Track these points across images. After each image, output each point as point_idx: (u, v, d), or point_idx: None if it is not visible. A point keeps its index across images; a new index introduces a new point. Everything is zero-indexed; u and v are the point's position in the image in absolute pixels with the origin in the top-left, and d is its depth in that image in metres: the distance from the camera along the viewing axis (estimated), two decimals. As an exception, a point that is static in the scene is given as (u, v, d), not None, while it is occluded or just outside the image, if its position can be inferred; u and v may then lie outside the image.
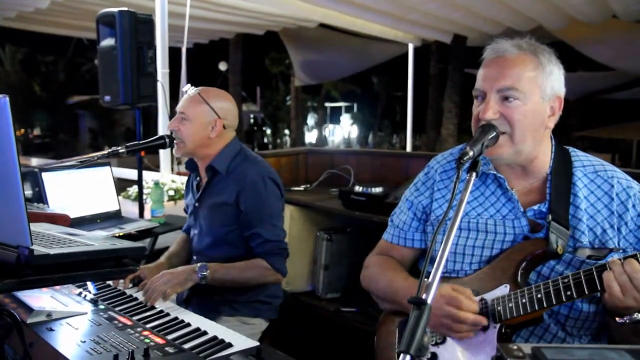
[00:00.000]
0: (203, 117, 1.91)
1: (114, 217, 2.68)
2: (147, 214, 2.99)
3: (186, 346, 1.24)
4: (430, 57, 12.09)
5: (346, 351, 2.49)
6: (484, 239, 1.32)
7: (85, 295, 1.55)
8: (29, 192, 2.43)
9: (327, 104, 24.67)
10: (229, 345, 1.26)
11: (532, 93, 1.23)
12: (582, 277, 1.11)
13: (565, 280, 1.13)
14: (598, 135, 14.71)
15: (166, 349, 1.21)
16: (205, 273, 1.76)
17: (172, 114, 2.79)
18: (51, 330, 1.29)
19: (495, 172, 1.33)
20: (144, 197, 3.17)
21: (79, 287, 1.62)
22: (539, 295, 1.15)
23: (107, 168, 2.72)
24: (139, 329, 1.33)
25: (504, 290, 1.23)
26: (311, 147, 10.01)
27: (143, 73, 2.90)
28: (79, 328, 1.31)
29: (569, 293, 1.12)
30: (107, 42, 2.91)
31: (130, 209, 3.42)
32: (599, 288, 1.10)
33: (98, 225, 2.53)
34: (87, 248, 1.20)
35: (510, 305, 1.19)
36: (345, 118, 25.10)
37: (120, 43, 2.82)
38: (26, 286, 1.11)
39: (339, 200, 2.79)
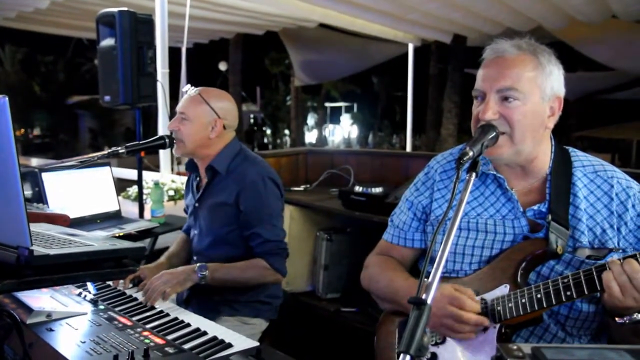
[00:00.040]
0: (203, 117, 1.91)
1: (113, 218, 2.68)
2: (147, 214, 2.99)
3: (186, 346, 1.24)
4: (430, 57, 12.09)
5: (346, 351, 2.49)
6: (484, 239, 1.32)
7: (85, 296, 1.55)
8: (28, 192, 2.43)
9: (327, 104, 24.67)
10: (229, 345, 1.26)
11: (531, 93, 1.23)
12: (582, 277, 1.11)
13: (565, 281, 1.13)
14: (598, 135, 14.71)
15: (166, 349, 1.22)
16: (204, 273, 1.76)
17: (172, 114, 2.79)
18: (51, 330, 1.29)
19: (495, 172, 1.34)
20: (144, 197, 3.17)
21: (78, 287, 1.62)
22: (539, 296, 1.15)
23: (107, 168, 2.72)
24: (138, 329, 1.33)
25: (503, 290, 1.23)
26: (311, 147, 10.01)
27: (143, 73, 2.90)
28: (78, 328, 1.31)
29: (568, 293, 1.12)
30: (107, 42, 2.91)
31: (130, 209, 3.42)
32: (598, 288, 1.10)
33: (98, 225, 2.52)
34: (87, 248, 1.20)
35: (510, 305, 1.19)
36: (345, 118, 25.10)
37: (120, 43, 2.82)
38: (26, 287, 1.10)
39: (339, 200, 2.79)
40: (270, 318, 2.02)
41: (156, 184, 2.85)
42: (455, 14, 6.86)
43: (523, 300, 1.17)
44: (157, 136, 1.99)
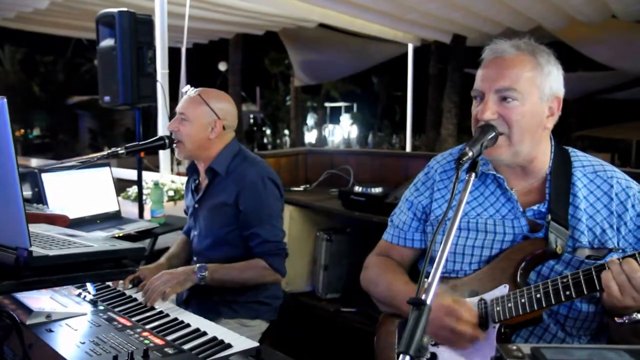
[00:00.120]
0: (203, 117, 1.91)
1: (113, 218, 2.68)
2: (147, 214, 2.99)
3: (186, 347, 1.24)
4: (429, 57, 12.09)
5: (346, 352, 2.49)
6: (484, 239, 1.32)
7: (85, 296, 1.55)
8: (28, 193, 2.43)
9: (327, 104, 24.67)
10: (229, 346, 1.26)
11: (530, 93, 1.23)
12: (581, 277, 1.11)
13: (564, 280, 1.13)
14: (597, 135, 14.71)
15: (166, 349, 1.22)
16: (204, 273, 1.76)
17: (171, 114, 2.79)
18: (50, 331, 1.29)
19: (494, 172, 1.34)
20: (144, 197, 3.17)
21: (78, 287, 1.62)
22: (538, 295, 1.15)
23: (107, 169, 2.72)
24: (138, 330, 1.33)
25: (503, 290, 1.23)
26: (311, 148, 10.01)
27: (143, 73, 2.90)
28: (78, 329, 1.31)
29: (567, 293, 1.12)
30: (107, 42, 2.91)
31: (129, 209, 3.42)
32: (597, 288, 1.10)
33: (98, 225, 2.52)
34: (87, 249, 1.20)
35: (509, 305, 1.19)
36: (345, 118, 25.10)
37: (120, 43, 2.82)
38: (25, 288, 1.10)
39: (339, 201, 2.79)
40: (270, 319, 2.02)
41: (156, 184, 2.85)
42: (455, 14, 6.86)
43: (522, 300, 1.17)
44: (157, 137, 1.99)
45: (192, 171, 2.08)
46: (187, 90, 1.96)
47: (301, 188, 3.26)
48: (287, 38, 10.33)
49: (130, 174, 3.96)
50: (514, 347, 0.69)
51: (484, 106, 1.23)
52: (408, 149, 9.94)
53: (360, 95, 24.05)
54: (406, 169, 3.15)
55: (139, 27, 2.87)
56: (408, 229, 1.47)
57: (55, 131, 20.68)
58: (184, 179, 2.57)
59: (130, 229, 2.52)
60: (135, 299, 1.61)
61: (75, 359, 1.15)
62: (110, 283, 1.74)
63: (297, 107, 18.44)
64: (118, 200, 2.78)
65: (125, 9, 2.85)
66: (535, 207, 1.29)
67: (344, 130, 24.63)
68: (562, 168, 1.31)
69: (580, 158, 1.34)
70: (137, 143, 2.00)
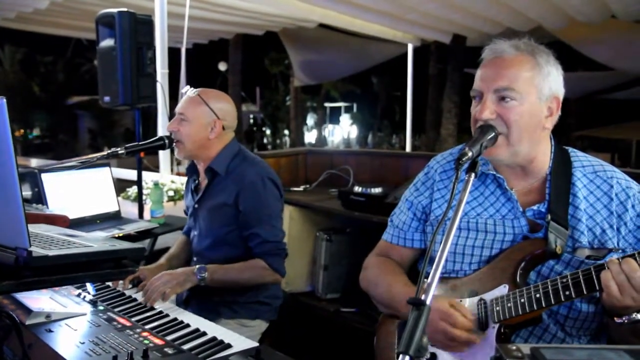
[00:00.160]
0: (202, 118, 1.91)
1: (113, 218, 2.68)
2: (147, 214, 2.99)
3: (185, 347, 1.24)
4: (429, 57, 12.10)
5: (346, 352, 2.49)
6: (484, 239, 1.32)
7: (85, 296, 1.55)
8: (28, 193, 2.43)
9: (327, 104, 24.68)
10: (228, 346, 1.26)
11: (528, 93, 1.23)
12: (581, 277, 1.11)
13: (564, 280, 1.13)
14: (597, 135, 14.72)
15: (165, 349, 1.22)
16: (204, 275, 1.76)
17: (171, 114, 2.79)
18: (50, 331, 1.29)
19: (494, 172, 1.34)
20: (144, 197, 3.17)
21: (78, 288, 1.62)
22: (538, 295, 1.15)
23: (107, 169, 2.72)
24: (138, 330, 1.33)
25: (503, 290, 1.23)
26: (311, 148, 10.00)
27: (142, 74, 2.90)
28: (78, 329, 1.31)
29: (567, 293, 1.12)
30: (107, 42, 2.92)
31: (129, 209, 3.41)
32: (597, 288, 1.09)
33: (97, 226, 2.52)
34: (86, 249, 1.20)
35: (509, 305, 1.19)
36: (345, 118, 25.11)
37: (120, 44, 2.83)
38: (24, 288, 1.10)
39: (339, 201, 2.79)
40: (270, 319, 2.02)
41: (156, 184, 2.85)
42: (455, 14, 6.87)
43: (522, 300, 1.17)
44: (157, 137, 1.99)
45: (191, 171, 2.08)
46: (187, 91, 1.96)
47: (301, 188, 3.26)
48: (287, 38, 10.33)
49: (130, 174, 3.96)
50: (514, 347, 0.69)
51: (482, 106, 1.23)
52: (408, 149, 9.94)
53: (360, 95, 24.07)
54: (406, 169, 3.15)
55: (138, 27, 2.88)
56: (408, 229, 1.47)
57: (55, 131, 20.69)
58: (184, 179, 2.58)
59: (130, 229, 2.52)
60: (135, 299, 1.61)
61: (74, 359, 1.15)
62: (110, 283, 1.73)
63: (297, 107, 18.45)
64: (118, 201, 2.78)
65: (125, 9, 2.85)
66: (535, 207, 1.29)
67: (343, 131, 24.64)
68: (562, 168, 1.31)
69: (580, 158, 1.34)
70: (136, 143, 2.00)
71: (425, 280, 0.89)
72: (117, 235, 2.39)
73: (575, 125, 14.61)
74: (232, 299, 1.92)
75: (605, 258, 1.20)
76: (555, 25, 7.25)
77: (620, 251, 1.22)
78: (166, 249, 2.16)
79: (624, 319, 1.11)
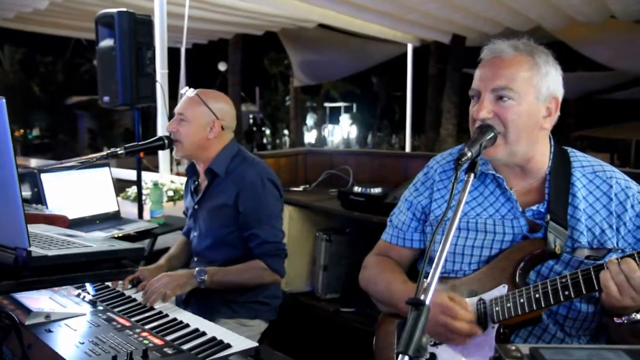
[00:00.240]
0: (201, 118, 1.91)
1: (113, 218, 2.68)
2: (146, 214, 2.99)
3: (185, 347, 1.24)
4: (429, 57, 12.09)
5: (345, 352, 2.49)
6: (483, 239, 1.32)
7: (84, 297, 1.55)
8: (27, 193, 2.43)
9: (327, 104, 24.69)
10: (228, 346, 1.26)
11: (526, 93, 1.23)
12: (580, 277, 1.11)
13: (563, 280, 1.13)
14: (597, 135, 14.73)
15: (165, 349, 1.21)
16: (203, 277, 1.76)
17: (171, 114, 2.79)
18: (49, 331, 1.29)
19: (494, 172, 1.34)
20: (143, 197, 3.17)
21: (77, 288, 1.62)
22: (537, 295, 1.15)
23: (106, 169, 2.72)
24: (137, 330, 1.32)
25: (502, 290, 1.23)
26: (310, 148, 10.01)
27: (142, 74, 2.90)
28: (77, 329, 1.31)
29: (566, 293, 1.12)
30: (106, 42, 2.92)
31: (129, 209, 3.41)
32: (596, 288, 1.10)
33: (97, 226, 2.52)
34: (86, 249, 1.20)
35: (508, 305, 1.19)
36: (345, 118, 25.12)
37: (119, 44, 2.83)
38: (24, 288, 1.10)
39: (338, 201, 2.79)
40: (270, 319, 2.02)
41: (155, 184, 2.85)
42: (455, 14, 6.87)
43: (521, 300, 1.18)
44: (156, 137, 1.99)
45: (191, 172, 2.08)
46: (186, 92, 1.97)
47: (300, 188, 3.26)
48: (286, 38, 10.33)
49: (130, 174, 3.95)
50: (513, 348, 0.69)
51: (480, 105, 1.23)
52: (407, 149, 9.95)
53: (359, 95, 24.07)
54: (405, 169, 3.15)
55: (138, 27, 2.88)
56: (407, 229, 1.47)
57: (54, 131, 20.69)
58: (183, 179, 2.58)
59: (129, 229, 2.52)
60: (135, 300, 1.61)
61: (74, 359, 1.15)
62: (109, 283, 1.73)
63: (296, 107, 18.45)
64: (117, 201, 2.78)
65: (125, 10, 2.85)
66: (534, 207, 1.29)
67: (343, 131, 24.66)
68: (561, 168, 1.31)
69: (579, 158, 1.34)
70: (136, 143, 2.00)
71: (425, 280, 0.89)
72: (116, 236, 2.39)
73: (575, 126, 14.62)
74: (231, 299, 1.92)
75: (605, 258, 1.20)
76: (555, 25, 7.26)
77: (619, 251, 1.22)
78: (166, 249, 2.15)
79: (623, 319, 1.11)
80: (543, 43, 1.30)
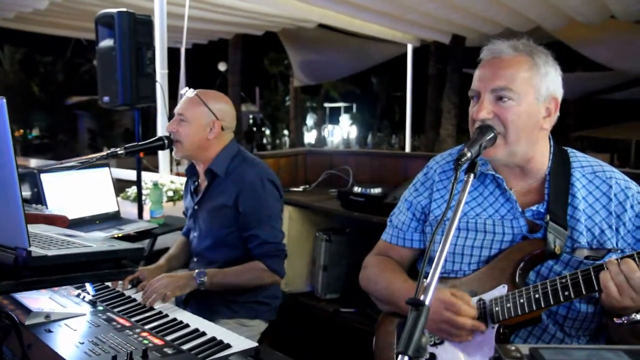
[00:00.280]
0: (201, 118, 1.91)
1: (112, 218, 2.68)
2: (146, 214, 2.99)
3: (185, 347, 1.24)
4: (429, 57, 12.09)
5: (345, 352, 2.49)
6: (483, 239, 1.32)
7: (84, 297, 1.55)
8: (27, 193, 2.43)
9: (326, 105, 24.70)
10: (228, 346, 1.26)
11: (526, 94, 1.23)
12: (580, 277, 1.12)
13: (563, 281, 1.13)
14: (596, 135, 14.73)
15: (165, 350, 1.22)
16: (203, 279, 1.76)
17: (171, 114, 2.79)
18: (49, 331, 1.29)
19: (493, 173, 1.34)
20: (143, 198, 3.17)
21: (77, 288, 1.62)
22: (537, 296, 1.15)
23: (106, 169, 2.72)
24: (137, 330, 1.32)
25: (502, 290, 1.23)
26: (310, 148, 10.01)
27: (142, 74, 2.90)
28: (77, 329, 1.31)
29: (566, 293, 1.12)
30: (106, 42, 2.92)
31: (129, 209, 3.41)
32: (596, 288, 1.10)
33: (97, 226, 2.52)
34: (86, 249, 1.20)
35: (508, 305, 1.19)
36: (345, 118, 25.13)
37: (119, 44, 2.83)
38: (24, 288, 1.11)
39: (338, 201, 2.79)
40: (269, 319, 2.02)
41: (155, 184, 2.85)
42: (454, 15, 6.87)
43: (521, 301, 1.18)
44: (156, 137, 1.99)
45: (191, 173, 2.08)
46: (186, 92, 1.97)
47: (300, 188, 3.26)
48: (286, 38, 10.34)
49: (130, 175, 3.96)
50: (513, 348, 0.69)
51: (480, 105, 1.23)
52: (407, 149, 9.95)
53: (359, 95, 24.08)
54: (405, 169, 3.15)
55: (138, 27, 2.88)
56: (407, 229, 1.47)
57: (54, 131, 20.69)
58: (183, 179, 2.58)
59: (129, 229, 2.52)
60: (135, 300, 1.61)
61: (74, 359, 1.15)
62: (109, 283, 1.73)
63: (296, 107, 18.46)
64: (117, 201, 2.78)
65: (125, 10, 2.85)
66: (534, 208, 1.29)
67: (343, 131, 24.67)
68: (561, 168, 1.31)
69: (579, 158, 1.34)
70: (136, 143, 2.00)
71: (425, 280, 0.89)
72: (116, 236, 2.39)
73: (574, 126, 14.62)
74: (231, 299, 1.92)
75: (604, 258, 1.20)
76: (555, 25, 7.26)
77: (619, 251, 1.22)
78: (165, 249, 2.15)
79: (623, 319, 1.11)
80: (542, 43, 1.30)
